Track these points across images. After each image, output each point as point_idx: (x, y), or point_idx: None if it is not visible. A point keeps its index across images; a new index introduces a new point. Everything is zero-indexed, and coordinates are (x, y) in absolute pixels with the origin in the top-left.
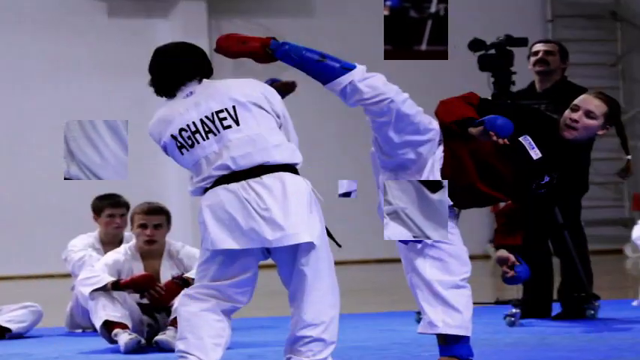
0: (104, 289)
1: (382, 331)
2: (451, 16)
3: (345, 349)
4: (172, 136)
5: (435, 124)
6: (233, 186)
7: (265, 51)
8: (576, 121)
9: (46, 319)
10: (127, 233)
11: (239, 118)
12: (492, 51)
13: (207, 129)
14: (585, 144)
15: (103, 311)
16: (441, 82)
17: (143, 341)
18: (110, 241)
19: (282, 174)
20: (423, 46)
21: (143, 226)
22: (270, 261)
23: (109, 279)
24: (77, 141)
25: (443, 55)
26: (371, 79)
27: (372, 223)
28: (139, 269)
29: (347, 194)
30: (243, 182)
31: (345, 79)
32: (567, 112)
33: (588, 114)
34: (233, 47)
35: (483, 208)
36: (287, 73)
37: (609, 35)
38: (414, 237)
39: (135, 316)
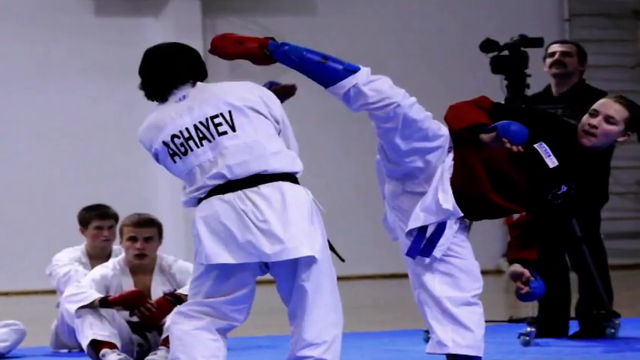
0: (91, 307)
1: (387, 351)
2: (463, 15)
3: None
4: (164, 142)
5: (444, 130)
6: (229, 196)
7: (263, 52)
8: (595, 127)
9: (29, 338)
10: (116, 246)
11: (235, 124)
12: (506, 52)
13: (201, 135)
14: (605, 151)
15: (90, 330)
16: (451, 85)
17: None
18: (98, 255)
19: (281, 183)
20: None
21: (133, 239)
22: (268, 276)
23: (96, 295)
24: None
25: None
26: (376, 82)
27: (377, 236)
28: (128, 285)
29: None
30: (240, 192)
31: (348, 82)
32: (586, 118)
33: (608, 119)
34: (229, 48)
35: (496, 219)
36: (286, 75)
37: (630, 35)
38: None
39: (124, 335)
